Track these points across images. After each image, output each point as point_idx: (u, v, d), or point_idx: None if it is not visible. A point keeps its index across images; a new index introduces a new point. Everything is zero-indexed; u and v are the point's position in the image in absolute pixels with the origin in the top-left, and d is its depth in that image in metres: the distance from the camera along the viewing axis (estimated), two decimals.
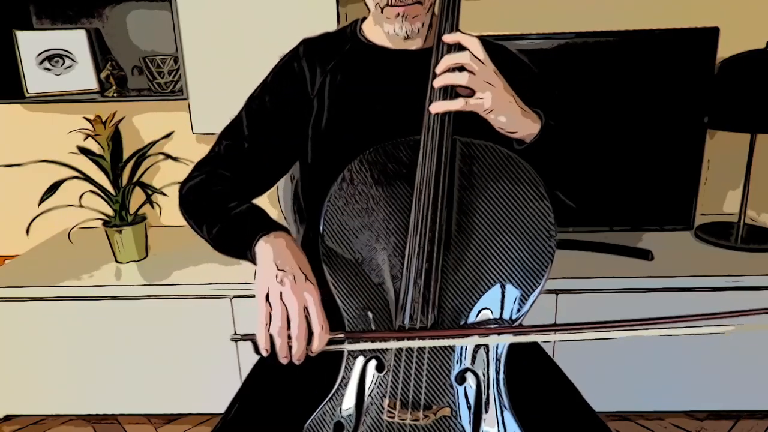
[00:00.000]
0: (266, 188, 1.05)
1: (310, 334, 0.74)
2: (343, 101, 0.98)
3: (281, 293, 0.74)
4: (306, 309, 0.74)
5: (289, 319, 0.73)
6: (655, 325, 0.72)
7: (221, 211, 0.92)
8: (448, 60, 0.80)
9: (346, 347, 0.78)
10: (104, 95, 1.87)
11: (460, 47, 0.82)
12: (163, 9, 1.87)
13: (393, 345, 0.77)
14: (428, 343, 0.76)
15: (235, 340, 0.78)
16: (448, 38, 0.82)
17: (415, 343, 0.76)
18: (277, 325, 0.73)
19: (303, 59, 1.01)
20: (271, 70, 1.04)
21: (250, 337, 0.75)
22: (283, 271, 0.76)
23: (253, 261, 0.83)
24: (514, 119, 0.83)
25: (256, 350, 0.75)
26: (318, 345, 0.74)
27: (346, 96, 0.98)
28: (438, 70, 0.82)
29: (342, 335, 0.76)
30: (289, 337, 0.73)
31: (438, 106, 0.81)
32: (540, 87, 0.98)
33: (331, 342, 0.75)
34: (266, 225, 0.86)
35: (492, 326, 0.77)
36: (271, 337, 0.73)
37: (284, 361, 0.74)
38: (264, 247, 0.82)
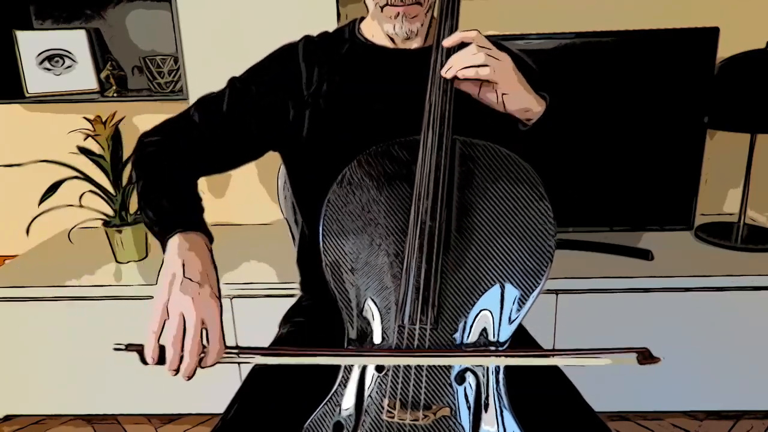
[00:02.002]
0: (224, 170, 1.03)
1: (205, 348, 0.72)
2: (341, 101, 0.98)
3: (181, 303, 0.71)
4: (204, 323, 0.71)
5: (185, 331, 0.70)
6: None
7: (161, 179, 0.89)
8: (459, 56, 0.81)
9: (239, 360, 0.75)
10: (104, 95, 1.87)
11: (460, 47, 0.82)
12: (163, 9, 1.87)
13: (273, 361, 0.76)
14: (324, 361, 0.75)
15: (118, 350, 0.72)
16: (448, 42, 0.82)
17: (317, 360, 0.75)
18: (171, 335, 0.70)
19: (300, 57, 1.00)
20: (265, 57, 1.03)
21: (136, 348, 0.71)
22: (189, 279, 0.74)
23: (162, 249, 0.80)
24: (525, 98, 0.83)
25: (142, 359, 0.71)
26: (211, 361, 0.72)
27: (345, 96, 0.98)
28: (445, 74, 0.82)
29: (235, 351, 0.74)
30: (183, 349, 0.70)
31: (468, 71, 0.80)
32: (541, 85, 0.98)
33: (226, 358, 0.73)
34: (189, 222, 0.83)
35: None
36: (161, 346, 0.71)
37: (171, 374, 0.71)
38: (175, 246, 0.78)
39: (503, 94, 0.82)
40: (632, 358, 0.70)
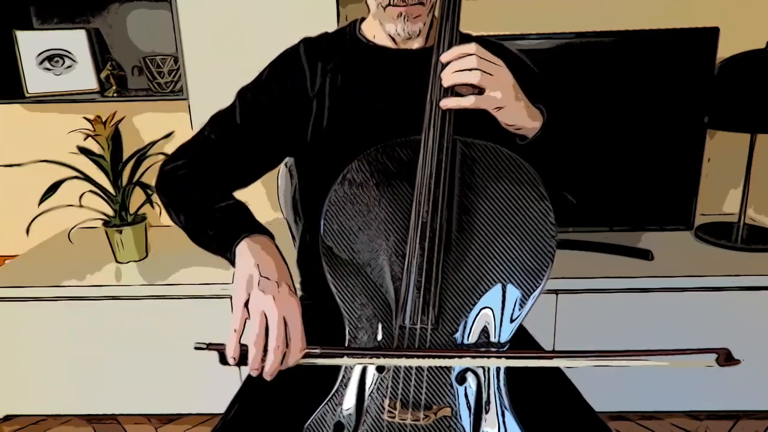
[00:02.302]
0: (251, 181, 1.03)
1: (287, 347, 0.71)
2: (343, 101, 0.98)
3: (263, 302, 0.71)
4: (285, 321, 0.71)
5: (267, 330, 0.70)
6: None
7: (203, 204, 0.89)
8: (455, 66, 0.80)
9: (322, 361, 0.75)
10: (104, 95, 1.87)
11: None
12: (163, 9, 1.87)
13: (370, 362, 0.75)
14: (413, 362, 0.74)
15: (199, 349, 0.72)
16: (446, 57, 0.81)
17: (396, 362, 0.75)
18: (255, 333, 0.70)
19: (303, 58, 1.00)
20: (268, 65, 1.03)
21: (217, 348, 0.71)
22: (267, 278, 0.74)
23: (232, 261, 0.81)
24: (521, 114, 0.83)
25: (222, 360, 0.71)
26: (293, 359, 0.72)
27: (347, 96, 0.98)
28: (444, 76, 0.81)
29: (318, 350, 0.73)
30: (265, 348, 0.70)
31: (449, 102, 0.80)
32: (540, 86, 0.98)
33: (305, 356, 0.73)
34: (251, 226, 0.84)
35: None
36: (242, 346, 0.70)
37: (254, 373, 0.71)
38: (247, 250, 0.79)
39: (498, 107, 0.81)
40: (711, 360, 0.68)
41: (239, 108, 1.01)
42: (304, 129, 1.00)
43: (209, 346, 0.71)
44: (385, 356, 0.75)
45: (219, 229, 0.85)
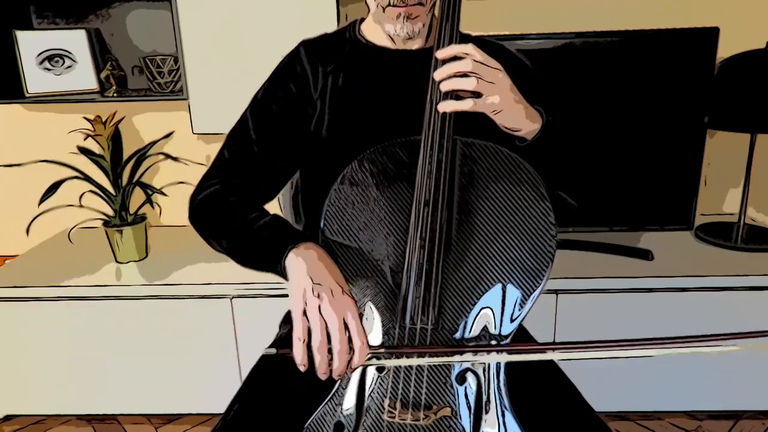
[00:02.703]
0: (277, 191, 1.04)
1: (351, 349, 0.73)
2: (344, 102, 0.98)
3: (320, 308, 0.72)
4: (345, 323, 0.73)
5: (329, 334, 0.72)
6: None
7: (242, 224, 0.91)
8: (449, 68, 0.79)
9: (384, 363, 0.76)
10: (104, 95, 1.87)
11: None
12: (163, 9, 1.87)
13: (428, 361, 0.76)
14: (468, 359, 0.75)
15: (270, 355, 0.75)
16: (442, 54, 0.81)
17: (452, 359, 0.75)
18: (318, 340, 0.71)
19: (305, 60, 1.00)
20: (272, 73, 1.03)
21: (287, 353, 0.73)
22: (320, 284, 0.75)
23: (283, 275, 0.82)
24: (519, 117, 0.83)
25: (293, 366, 0.73)
26: (359, 360, 0.73)
27: (347, 97, 0.98)
28: (437, 77, 0.80)
29: (382, 350, 0.75)
30: (330, 352, 0.72)
31: (446, 106, 0.80)
32: (539, 86, 0.98)
33: (372, 356, 0.74)
34: (294, 237, 0.85)
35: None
36: (310, 351, 0.72)
37: (323, 377, 0.73)
38: (296, 261, 0.80)
39: (495, 111, 0.81)
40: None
41: (252, 122, 1.01)
42: (304, 130, 1.00)
43: (278, 353, 0.74)
44: (440, 354, 0.75)
45: (263, 247, 0.87)
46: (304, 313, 0.73)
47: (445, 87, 0.80)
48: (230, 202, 0.95)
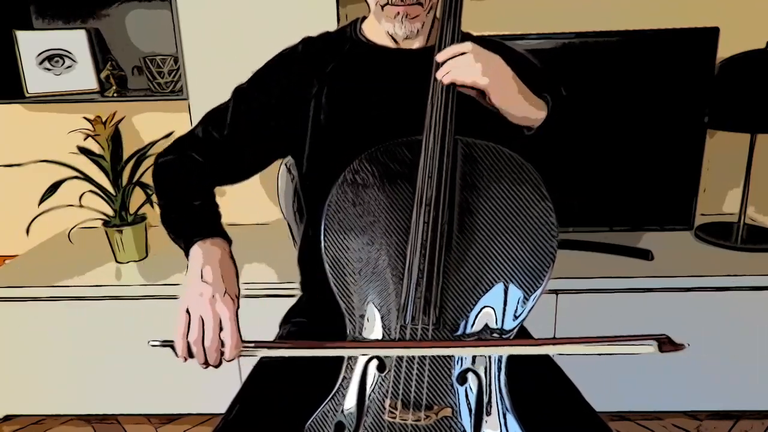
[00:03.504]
0: (238, 180, 1.07)
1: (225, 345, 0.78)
2: (343, 101, 0.98)
3: (200, 306, 0.78)
4: (220, 323, 0.78)
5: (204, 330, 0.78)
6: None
7: (181, 200, 0.97)
8: (452, 65, 0.81)
9: (261, 353, 0.82)
10: (104, 95, 1.87)
11: None
12: (163, 9, 1.87)
13: (303, 353, 0.81)
14: (340, 353, 0.79)
15: (154, 346, 0.79)
16: (441, 56, 0.82)
17: (328, 352, 0.78)
18: (193, 336, 0.77)
19: (302, 58, 1.00)
20: (266, 63, 1.04)
21: (169, 344, 0.78)
22: (206, 283, 0.81)
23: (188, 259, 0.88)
24: (523, 105, 0.83)
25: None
26: (229, 355, 0.78)
27: (347, 96, 0.98)
28: (439, 75, 0.82)
29: (252, 345, 0.79)
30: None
31: (447, 77, 0.82)
32: (544, 78, 0.98)
33: (244, 351, 0.79)
34: (207, 229, 0.91)
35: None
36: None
37: (203, 367, 0.79)
38: (196, 254, 0.87)
39: (501, 103, 0.82)
40: (653, 347, 0.67)
41: (233, 106, 1.02)
42: (302, 129, 1.00)
43: (164, 344, 0.78)
44: (323, 347, 0.79)
45: (180, 230, 0.94)
46: (188, 309, 0.79)
47: (446, 80, 0.82)
48: (184, 174, 1.00)
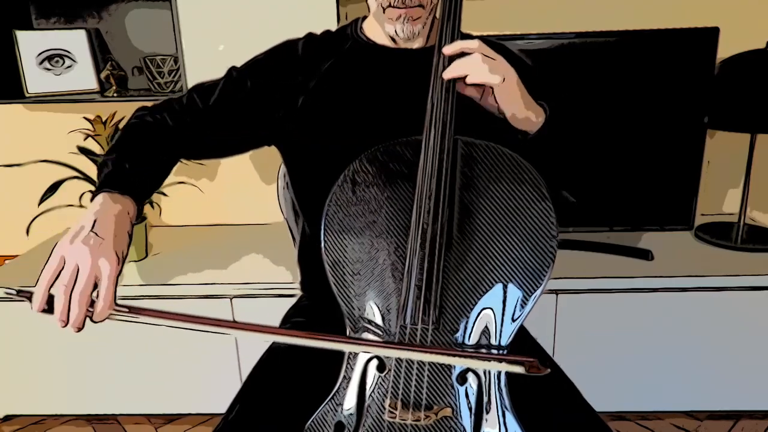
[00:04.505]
0: (200, 156, 1.04)
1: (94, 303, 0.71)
2: (342, 100, 0.98)
3: (79, 253, 0.71)
4: (97, 278, 0.71)
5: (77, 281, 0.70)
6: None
7: (125, 152, 0.90)
8: (459, 66, 0.80)
9: (139, 320, 0.75)
10: (104, 95, 1.87)
11: (462, 53, 0.82)
12: (163, 9, 1.87)
13: (171, 324, 0.78)
14: (252, 337, 0.76)
15: (9, 294, 0.71)
16: (448, 50, 0.82)
17: (233, 333, 0.77)
18: (63, 283, 0.69)
19: (300, 53, 1.00)
20: (265, 51, 1.03)
21: (26, 295, 0.70)
22: (96, 233, 0.74)
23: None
24: (520, 108, 0.83)
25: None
26: (99, 316, 0.71)
27: (346, 95, 0.98)
28: (447, 76, 0.81)
29: (127, 309, 0.73)
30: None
31: (451, 73, 0.81)
32: (542, 85, 0.98)
33: (114, 314, 0.72)
34: (123, 184, 0.83)
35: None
36: (51, 296, 0.70)
37: (60, 324, 0.69)
38: (98, 202, 0.80)
39: (503, 105, 0.82)
40: (520, 369, 0.72)
41: (221, 86, 1.01)
42: (289, 125, 0.99)
43: (18, 293, 0.70)
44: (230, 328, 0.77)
45: (106, 171, 0.86)
46: (63, 254, 0.71)
47: (448, 75, 0.81)
48: (148, 127, 0.96)
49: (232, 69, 1.03)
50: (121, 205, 0.81)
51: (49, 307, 0.70)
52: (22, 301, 0.70)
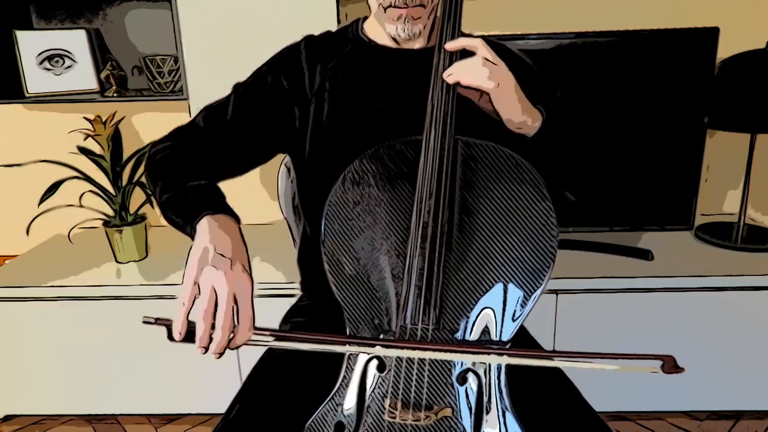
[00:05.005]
0: (232, 175, 1.03)
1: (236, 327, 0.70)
2: (344, 100, 0.98)
3: (214, 278, 0.70)
4: (236, 300, 0.70)
5: (216, 306, 0.69)
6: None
7: (178, 181, 0.91)
8: (457, 67, 0.81)
9: (271, 344, 0.74)
10: (104, 95, 1.87)
11: (463, 52, 0.82)
12: (163, 9, 1.87)
13: (317, 348, 0.74)
14: (352, 350, 0.75)
15: (147, 323, 0.70)
16: (451, 46, 0.82)
17: (341, 349, 0.75)
18: (203, 309, 0.68)
19: (303, 56, 1.00)
20: (268, 60, 1.04)
21: (165, 323, 0.69)
22: (221, 255, 0.73)
23: (192, 237, 0.80)
24: (517, 112, 0.83)
25: (170, 336, 0.70)
26: (240, 339, 0.70)
27: (347, 95, 0.98)
28: (447, 77, 0.81)
29: (267, 332, 0.72)
30: (214, 326, 0.69)
31: (452, 77, 0.81)
32: (541, 85, 0.98)
33: (255, 337, 0.71)
34: (217, 205, 0.84)
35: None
36: (190, 323, 0.69)
37: (200, 351, 0.69)
38: (206, 225, 0.79)
39: (499, 109, 0.82)
40: (656, 367, 0.69)
41: (233, 101, 1.02)
42: (303, 126, 1.00)
43: (157, 321, 0.70)
44: (343, 344, 0.75)
45: (184, 208, 0.85)
46: (197, 281, 0.70)
47: (451, 79, 0.81)
48: (181, 163, 0.96)
49: (238, 85, 1.03)
50: (225, 221, 0.81)
51: (188, 336, 0.69)
52: (157, 325, 0.70)
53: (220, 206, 0.84)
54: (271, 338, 0.73)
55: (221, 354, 0.69)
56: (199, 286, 0.70)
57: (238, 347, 0.70)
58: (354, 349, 0.75)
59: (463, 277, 0.78)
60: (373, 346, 0.75)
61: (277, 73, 1.01)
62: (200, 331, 0.68)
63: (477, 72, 0.80)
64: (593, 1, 1.84)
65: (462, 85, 0.81)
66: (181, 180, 0.91)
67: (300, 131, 1.00)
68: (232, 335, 0.69)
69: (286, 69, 1.01)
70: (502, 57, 0.84)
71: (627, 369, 0.71)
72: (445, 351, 0.75)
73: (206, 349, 0.69)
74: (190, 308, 0.69)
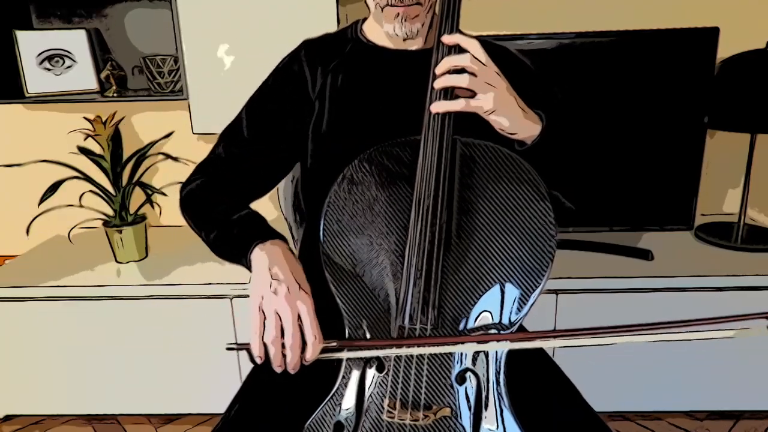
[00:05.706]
0: (266, 191, 1.05)
1: (305, 343, 0.75)
2: (343, 101, 0.98)
3: (275, 303, 0.75)
4: (300, 318, 0.75)
5: (283, 328, 0.74)
6: (644, 331, 0.72)
7: (220, 218, 0.94)
8: (448, 62, 0.80)
9: (342, 355, 0.78)
10: (104, 95, 1.87)
11: (459, 49, 0.82)
12: (163, 9, 1.87)
13: (389, 352, 0.77)
14: (425, 351, 0.76)
15: (231, 349, 0.78)
16: (447, 39, 0.82)
17: (412, 351, 0.76)
18: (271, 335, 0.74)
19: (304, 61, 1.01)
20: (271, 72, 1.04)
21: (245, 346, 0.76)
22: (277, 280, 0.78)
23: (249, 268, 0.85)
24: (516, 121, 0.82)
25: (251, 359, 0.76)
26: (311, 354, 0.75)
27: (347, 96, 0.98)
28: (438, 71, 0.81)
29: (335, 344, 0.77)
30: (284, 345, 0.74)
31: (439, 106, 0.80)
32: (540, 88, 0.98)
33: (325, 350, 0.76)
34: (263, 233, 0.88)
35: (491, 332, 0.77)
36: (265, 345, 0.75)
37: (278, 369, 0.75)
38: (259, 255, 0.83)
39: (488, 112, 0.80)
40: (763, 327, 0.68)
41: (246, 120, 1.02)
42: (306, 128, 1.00)
43: (239, 347, 0.77)
44: (400, 346, 0.76)
45: (234, 241, 0.90)
46: (261, 309, 0.76)
47: (438, 84, 0.81)
48: (215, 196, 0.98)
49: (251, 102, 1.04)
50: (278, 246, 0.85)
51: (266, 357, 0.75)
52: (239, 350, 0.78)
53: (266, 233, 0.88)
54: (343, 349, 0.78)
55: (297, 369, 0.76)
56: (264, 312, 0.76)
57: (312, 360, 0.75)
58: (434, 349, 0.77)
59: (462, 277, 0.78)
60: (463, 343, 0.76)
61: (282, 83, 1.01)
62: (272, 354, 0.75)
63: (461, 77, 0.79)
64: (593, 1, 1.84)
65: (448, 86, 0.81)
66: (221, 215, 0.94)
67: (305, 132, 1.00)
68: (301, 352, 0.75)
69: (290, 77, 1.01)
70: (500, 59, 0.83)
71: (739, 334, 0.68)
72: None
73: (283, 368, 0.76)
74: (263, 333, 0.75)
